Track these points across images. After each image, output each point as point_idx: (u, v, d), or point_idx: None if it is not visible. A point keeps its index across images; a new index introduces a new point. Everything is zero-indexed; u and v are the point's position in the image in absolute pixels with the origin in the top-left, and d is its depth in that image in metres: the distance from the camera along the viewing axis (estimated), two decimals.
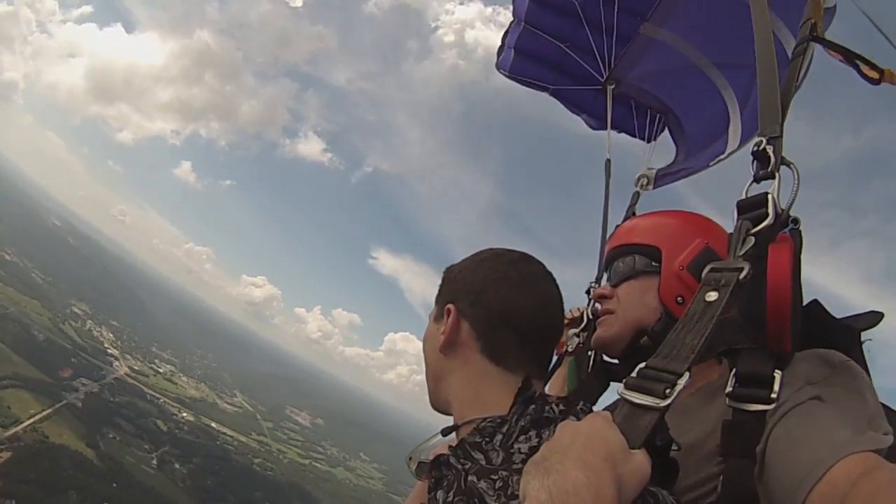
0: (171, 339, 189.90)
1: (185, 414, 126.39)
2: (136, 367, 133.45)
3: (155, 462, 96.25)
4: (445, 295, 1.53)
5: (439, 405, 1.53)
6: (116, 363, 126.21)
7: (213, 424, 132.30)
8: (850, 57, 1.82)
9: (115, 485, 78.43)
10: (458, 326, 1.44)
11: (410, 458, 1.50)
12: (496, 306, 1.45)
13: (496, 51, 4.49)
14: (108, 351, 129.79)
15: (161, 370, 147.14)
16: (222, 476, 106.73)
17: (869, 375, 1.43)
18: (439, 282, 1.61)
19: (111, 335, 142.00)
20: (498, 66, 4.38)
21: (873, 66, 1.82)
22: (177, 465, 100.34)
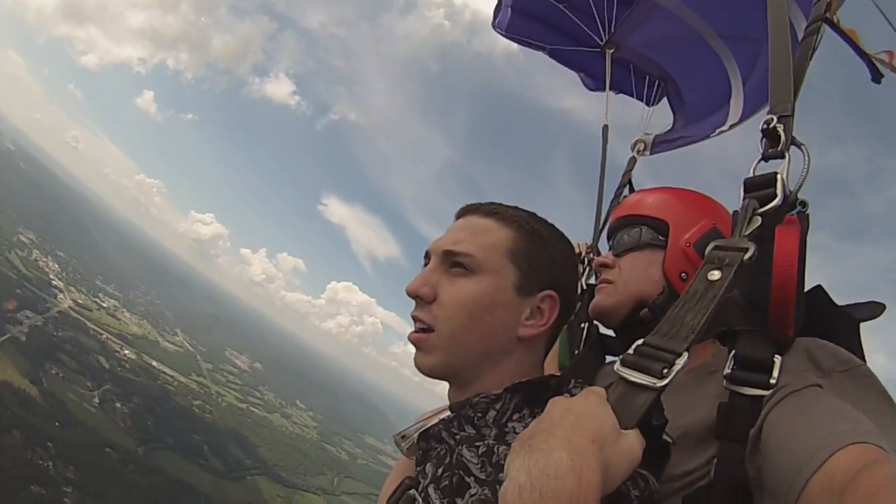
0: (116, 272, 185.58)
1: (126, 351, 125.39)
2: (80, 301, 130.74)
3: (97, 400, 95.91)
4: (544, 275, 1.34)
5: (456, 377, 1.32)
6: (61, 296, 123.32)
7: (154, 363, 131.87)
8: (858, 51, 1.81)
9: (57, 424, 77.99)
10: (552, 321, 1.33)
11: (403, 437, 1.34)
12: (574, 307, 1.43)
13: (489, 13, 4.40)
14: (53, 283, 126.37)
15: (105, 304, 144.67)
16: (162, 417, 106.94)
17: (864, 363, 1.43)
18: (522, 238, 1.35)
19: (57, 266, 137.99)
20: (495, 25, 4.21)
21: (879, 64, 1.85)
22: (118, 405, 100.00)
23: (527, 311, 1.30)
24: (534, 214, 1.41)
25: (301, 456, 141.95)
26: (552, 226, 1.42)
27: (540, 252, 1.34)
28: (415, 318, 1.32)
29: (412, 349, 1.33)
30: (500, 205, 1.41)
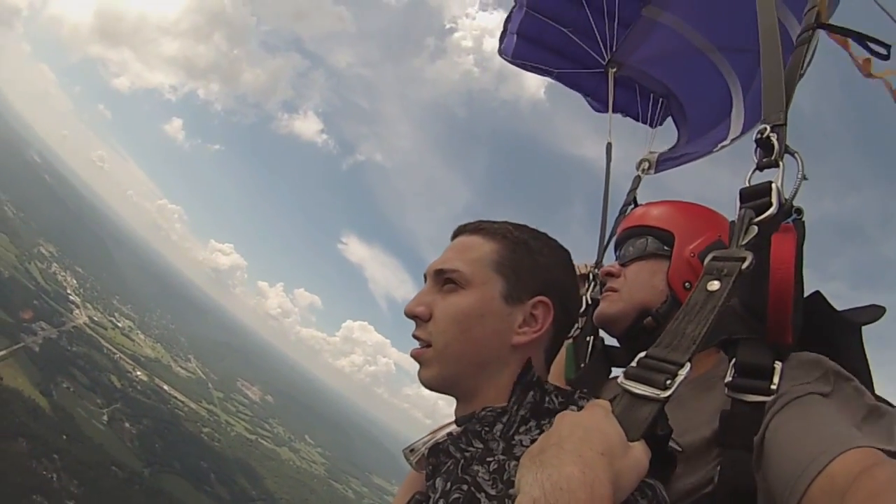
0: (133, 294, 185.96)
1: (139, 373, 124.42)
2: (95, 318, 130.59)
3: (105, 418, 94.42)
4: (532, 282, 1.35)
5: (455, 389, 1.36)
6: (77, 311, 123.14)
7: (166, 387, 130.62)
8: (859, 38, 1.76)
9: (65, 437, 76.30)
10: (547, 326, 1.34)
11: (412, 451, 1.37)
12: (575, 312, 1.44)
13: (499, 42, 4.43)
14: (70, 297, 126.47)
15: (120, 324, 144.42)
16: (170, 441, 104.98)
17: (869, 369, 1.46)
18: (499, 247, 1.38)
19: (75, 281, 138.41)
20: (501, 52, 4.32)
21: (881, 43, 1.77)
22: (127, 424, 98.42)
23: (519, 319, 1.32)
24: (521, 225, 1.46)
25: (308, 491, 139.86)
26: (541, 234, 1.46)
27: (526, 260, 1.37)
28: (415, 338, 1.38)
29: (425, 391, 1.39)
30: (487, 221, 1.47)
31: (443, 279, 1.37)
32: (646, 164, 3.32)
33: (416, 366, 1.37)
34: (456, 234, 1.48)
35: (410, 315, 1.38)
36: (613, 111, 3.80)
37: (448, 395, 1.38)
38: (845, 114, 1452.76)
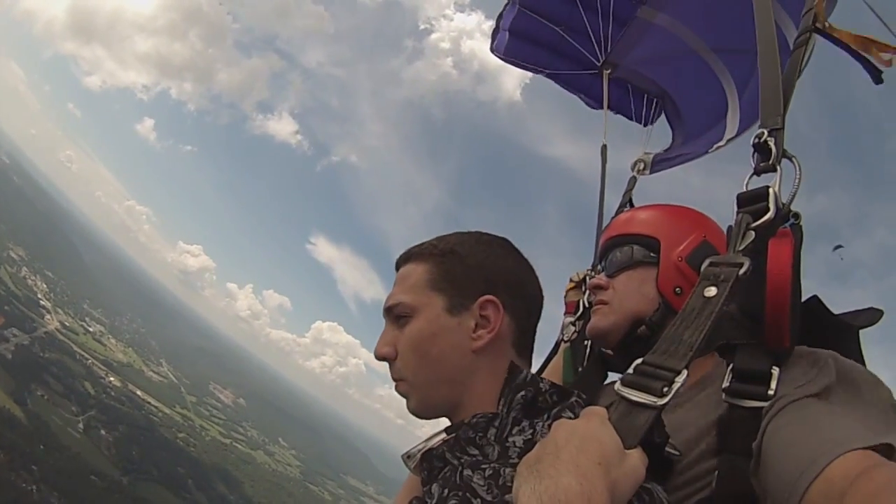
0: (103, 297, 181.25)
1: (112, 378, 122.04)
2: (67, 323, 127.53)
3: (81, 426, 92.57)
4: (471, 285, 1.36)
5: (441, 410, 1.38)
6: (48, 316, 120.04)
7: (139, 392, 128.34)
8: (853, 52, 1.79)
9: (42, 447, 74.38)
10: (503, 321, 1.34)
11: (409, 457, 1.36)
12: (533, 298, 1.45)
13: (494, 63, 4.53)
14: (41, 302, 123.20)
15: (91, 329, 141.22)
16: (146, 447, 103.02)
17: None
18: (429, 268, 1.40)
19: (45, 286, 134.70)
20: (493, 49, 4.30)
21: (875, 69, 1.82)
22: (102, 432, 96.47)
23: (472, 325, 1.33)
24: (448, 235, 1.48)
25: (285, 495, 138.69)
26: (469, 235, 1.47)
27: (456, 268, 1.38)
28: (393, 379, 1.41)
29: (396, 392, 1.42)
30: (416, 245, 1.49)
31: (394, 316, 1.40)
32: (641, 165, 3.32)
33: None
34: (396, 270, 1.50)
35: (379, 358, 1.41)
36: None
37: (439, 417, 1.39)
38: (816, 116, 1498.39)
